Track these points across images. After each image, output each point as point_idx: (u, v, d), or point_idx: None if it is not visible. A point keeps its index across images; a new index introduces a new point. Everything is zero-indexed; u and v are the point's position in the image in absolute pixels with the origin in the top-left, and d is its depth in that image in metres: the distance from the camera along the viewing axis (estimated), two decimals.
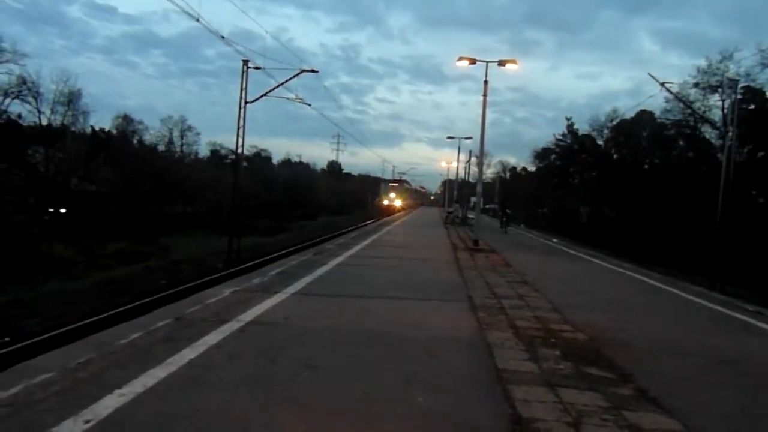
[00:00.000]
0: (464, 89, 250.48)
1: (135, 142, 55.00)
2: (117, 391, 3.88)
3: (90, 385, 4.00)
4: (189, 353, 4.88)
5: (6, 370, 4.41)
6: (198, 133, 62.90)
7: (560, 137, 62.23)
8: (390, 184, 74.45)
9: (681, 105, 35.54)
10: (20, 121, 37.61)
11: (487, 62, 19.32)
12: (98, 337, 5.47)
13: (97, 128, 51.67)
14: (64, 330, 10.68)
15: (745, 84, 32.99)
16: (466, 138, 42.55)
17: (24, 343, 9.82)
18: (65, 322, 11.64)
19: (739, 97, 26.89)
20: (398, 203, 70.08)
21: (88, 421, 3.40)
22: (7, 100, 33.76)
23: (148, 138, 56.90)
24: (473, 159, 47.15)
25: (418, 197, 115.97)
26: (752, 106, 34.72)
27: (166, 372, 4.37)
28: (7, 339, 10.42)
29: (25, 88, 33.74)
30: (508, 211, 30.68)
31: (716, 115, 35.75)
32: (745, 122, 30.04)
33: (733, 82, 25.54)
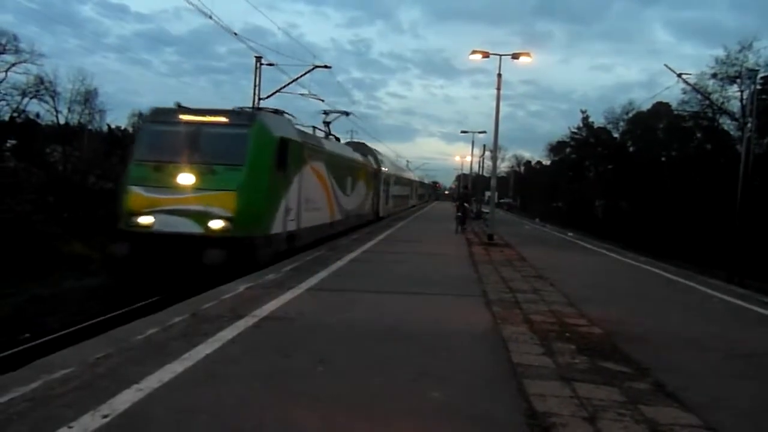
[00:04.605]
0: (476, 83, 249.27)
1: None
2: (134, 386, 3.93)
3: (108, 380, 4.05)
4: (205, 348, 4.93)
5: (26, 365, 4.48)
6: None
7: (575, 130, 61.90)
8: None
9: (699, 96, 35.06)
10: (38, 121, 38.16)
11: (501, 55, 19.18)
12: (116, 333, 5.53)
13: (113, 126, 52.21)
14: (82, 326, 10.81)
15: (765, 74, 32.43)
16: (480, 132, 42.24)
17: (43, 339, 9.97)
18: (83, 318, 11.80)
19: (758, 87, 26.42)
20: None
21: (106, 416, 3.45)
22: (26, 100, 34.19)
23: None
24: (487, 153, 46.90)
25: (424, 190, 77.57)
26: None
27: (183, 367, 4.41)
28: (27, 335, 10.59)
29: (42, 88, 34.03)
30: (466, 205, 25.80)
31: (735, 106, 35.22)
32: (764, 113, 29.49)
33: (752, 73, 25.14)
